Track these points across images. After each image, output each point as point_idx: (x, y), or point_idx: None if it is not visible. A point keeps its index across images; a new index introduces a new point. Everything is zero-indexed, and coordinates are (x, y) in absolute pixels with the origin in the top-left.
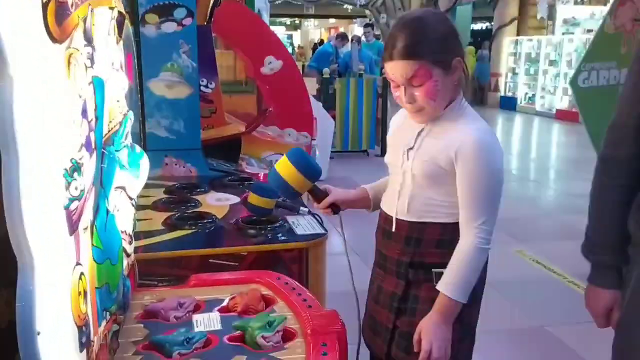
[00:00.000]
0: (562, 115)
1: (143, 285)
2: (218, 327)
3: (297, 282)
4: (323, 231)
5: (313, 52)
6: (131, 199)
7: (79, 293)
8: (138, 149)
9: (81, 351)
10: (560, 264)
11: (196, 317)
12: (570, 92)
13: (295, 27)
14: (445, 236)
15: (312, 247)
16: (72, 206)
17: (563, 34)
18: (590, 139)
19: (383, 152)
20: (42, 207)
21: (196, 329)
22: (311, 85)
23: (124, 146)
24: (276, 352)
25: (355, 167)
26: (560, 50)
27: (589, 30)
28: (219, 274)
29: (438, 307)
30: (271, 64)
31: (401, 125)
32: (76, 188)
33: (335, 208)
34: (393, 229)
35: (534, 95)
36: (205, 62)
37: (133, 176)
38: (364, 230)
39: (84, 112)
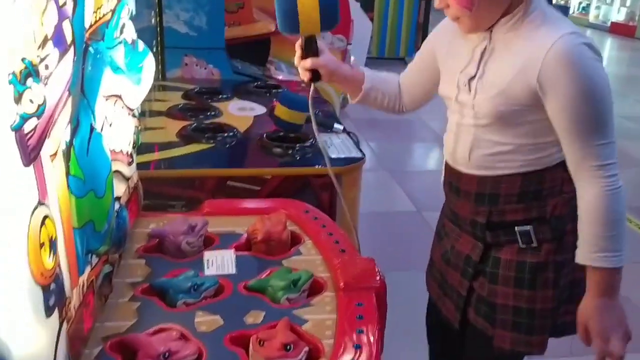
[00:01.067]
0: (617, 29)
1: (149, 209)
2: (232, 270)
3: (328, 218)
4: (360, 155)
5: None
6: (131, 109)
7: (41, 245)
8: (141, 46)
9: (48, 316)
10: None
11: (207, 255)
12: (628, 2)
13: None
14: (529, 187)
15: (347, 172)
16: (27, 126)
17: None
18: None
19: None
20: None
21: (206, 271)
22: None
23: (119, 42)
24: (301, 308)
25: None
26: None
27: None
28: (237, 200)
29: (597, 288)
30: None
31: (455, 36)
32: (32, 100)
33: (316, 74)
34: (459, 185)
35: (588, 5)
36: None
37: (132, 81)
38: (392, 144)
39: None
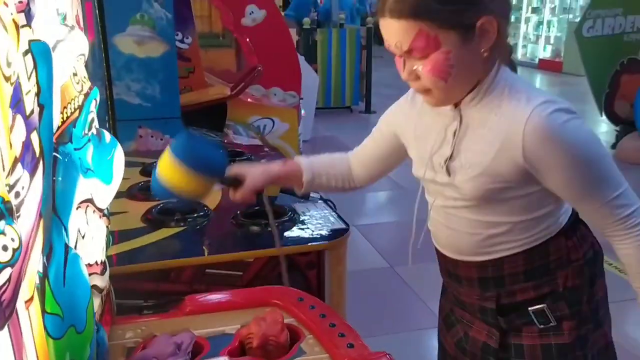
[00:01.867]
0: (545, 65)
1: (122, 312)
2: None
3: (326, 305)
4: (344, 225)
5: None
6: (102, 210)
7: None
8: (108, 136)
9: None
10: None
11: None
12: (552, 40)
13: None
14: (534, 262)
15: (333, 248)
16: (1, 279)
17: None
18: (592, 91)
19: (367, 108)
20: None
21: None
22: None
23: (88, 139)
24: None
25: (339, 124)
26: None
27: None
28: (221, 293)
29: None
30: (253, 14)
31: (421, 116)
32: (5, 247)
33: (256, 192)
34: (458, 272)
35: (515, 44)
36: (180, 12)
37: (103, 181)
38: (351, 196)
39: (17, 104)
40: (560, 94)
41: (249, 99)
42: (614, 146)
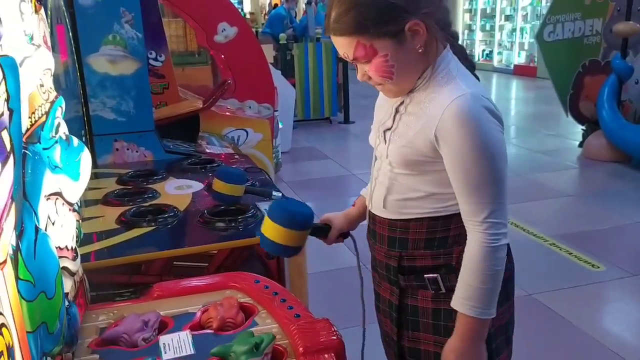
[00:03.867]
0: (519, 71)
1: (96, 300)
2: (191, 350)
3: (279, 285)
4: None
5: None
6: (71, 204)
7: None
8: (76, 141)
9: None
10: (536, 225)
11: (163, 340)
12: (526, 47)
13: None
14: (435, 233)
15: None
16: None
17: None
18: (557, 93)
19: (346, 118)
20: None
21: (164, 356)
22: (268, 52)
23: (55, 141)
24: None
25: (319, 135)
26: (515, 5)
27: None
28: (185, 280)
29: (461, 331)
30: (225, 32)
31: (383, 98)
32: None
33: (344, 234)
34: (375, 228)
35: (491, 51)
36: (152, 32)
37: (71, 178)
38: (328, 201)
39: None
40: (535, 98)
41: (226, 113)
42: (580, 144)
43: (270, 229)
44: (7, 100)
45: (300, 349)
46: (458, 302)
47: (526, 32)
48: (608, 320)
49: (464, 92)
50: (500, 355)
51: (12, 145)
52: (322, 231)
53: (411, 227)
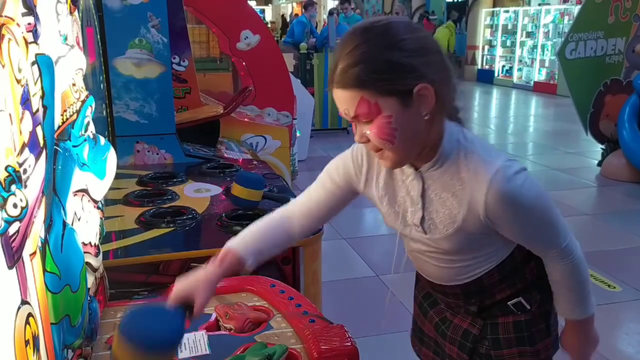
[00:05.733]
0: (539, 88)
1: (115, 298)
2: (206, 350)
3: (294, 290)
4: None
5: (283, 26)
6: (96, 202)
7: (26, 342)
8: (102, 140)
9: None
10: None
11: None
12: (547, 64)
13: (267, 2)
14: (506, 270)
15: (307, 245)
16: (12, 229)
17: (539, 4)
18: (577, 111)
19: None
20: None
21: (180, 355)
22: (288, 61)
23: (84, 139)
24: None
25: (335, 145)
26: (537, 22)
27: (565, 1)
28: None
29: (575, 329)
30: (247, 39)
31: (383, 173)
32: (15, 205)
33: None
34: (444, 289)
35: (511, 67)
36: (177, 37)
37: (97, 176)
38: (349, 212)
39: (26, 102)
40: (555, 115)
41: (245, 119)
42: (599, 164)
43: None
44: (42, 97)
45: (315, 353)
46: (569, 313)
47: (547, 49)
48: (623, 341)
49: (494, 168)
50: None
51: (45, 141)
52: (188, 316)
53: (484, 279)
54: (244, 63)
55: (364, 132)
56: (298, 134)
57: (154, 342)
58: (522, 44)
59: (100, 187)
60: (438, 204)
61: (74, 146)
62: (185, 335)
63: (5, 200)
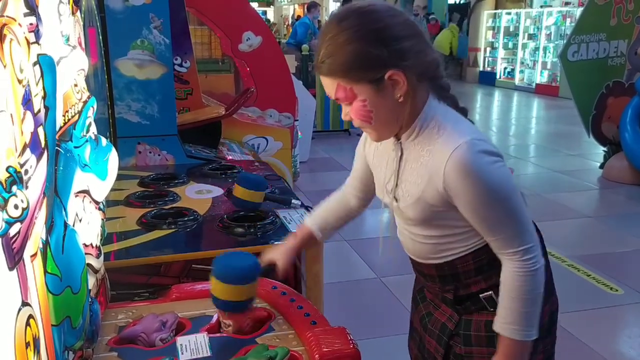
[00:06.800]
0: (541, 90)
1: (116, 300)
2: (207, 353)
3: (295, 292)
4: None
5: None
6: (97, 203)
7: (27, 344)
8: (104, 141)
9: None
10: (555, 246)
11: (180, 341)
12: (549, 66)
13: (269, 3)
14: (482, 260)
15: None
16: (12, 230)
17: (541, 6)
18: (579, 113)
19: None
20: None
21: (181, 357)
22: (290, 62)
23: (86, 140)
24: None
25: (337, 147)
26: (539, 24)
27: (567, 3)
28: (204, 283)
29: (505, 354)
30: (249, 40)
31: (377, 144)
32: (16, 206)
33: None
34: (422, 270)
35: (513, 69)
36: (179, 38)
37: (98, 177)
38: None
39: (27, 103)
40: (557, 117)
41: (247, 120)
42: (601, 166)
43: (219, 289)
44: (44, 97)
45: (316, 356)
46: (501, 326)
47: (549, 52)
48: (625, 344)
49: (458, 142)
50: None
51: (46, 142)
52: (270, 273)
53: (457, 264)
54: (246, 64)
55: (347, 111)
56: (300, 136)
57: (245, 277)
58: (524, 45)
59: (102, 188)
60: (408, 173)
61: (75, 147)
62: (187, 337)
63: (6, 201)
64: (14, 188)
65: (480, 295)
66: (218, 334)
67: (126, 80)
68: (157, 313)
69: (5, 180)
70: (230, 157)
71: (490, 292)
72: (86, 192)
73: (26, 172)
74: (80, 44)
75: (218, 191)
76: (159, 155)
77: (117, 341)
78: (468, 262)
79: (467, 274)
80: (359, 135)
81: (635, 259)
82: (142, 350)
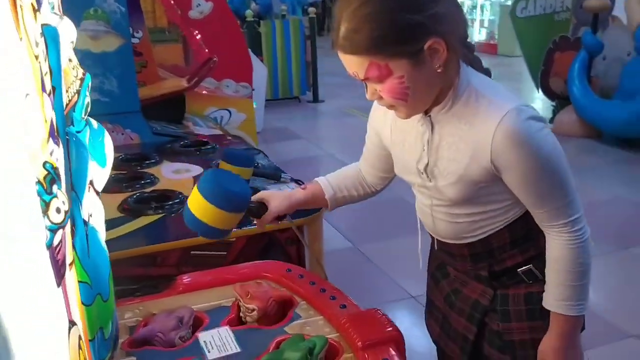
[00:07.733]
0: (480, 48)
1: (116, 295)
2: (236, 348)
3: (312, 273)
4: None
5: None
6: (98, 193)
7: None
8: (95, 124)
9: None
10: None
11: (202, 337)
12: (486, 24)
13: None
14: (517, 234)
15: (310, 223)
16: (56, 239)
17: None
18: (529, 69)
19: (315, 97)
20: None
21: (208, 355)
22: None
23: (85, 124)
24: None
25: (288, 115)
26: None
27: None
28: (213, 271)
29: (559, 331)
30: (200, 7)
31: (396, 119)
32: (59, 210)
33: (281, 217)
34: (451, 250)
35: None
36: (129, 6)
37: (99, 164)
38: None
39: (42, 83)
40: (497, 75)
41: (203, 91)
42: (551, 120)
43: (198, 205)
44: (51, 74)
45: (359, 343)
46: (555, 304)
47: (487, 9)
48: (592, 296)
49: (504, 110)
50: None
51: (57, 127)
52: (257, 212)
53: (492, 240)
54: (197, 32)
55: (375, 90)
56: (255, 105)
57: (232, 201)
58: (462, 4)
59: (103, 176)
60: (444, 149)
61: (77, 132)
62: (209, 333)
63: (47, 204)
64: (54, 188)
65: (518, 270)
66: (241, 327)
67: (80, 54)
68: (168, 309)
69: (45, 179)
70: (200, 132)
71: (529, 266)
72: (91, 182)
73: (58, 167)
74: (61, 11)
75: (197, 169)
76: (122, 134)
77: (131, 343)
78: (504, 236)
79: (502, 248)
80: (309, 102)
81: (592, 210)
82: (164, 352)
